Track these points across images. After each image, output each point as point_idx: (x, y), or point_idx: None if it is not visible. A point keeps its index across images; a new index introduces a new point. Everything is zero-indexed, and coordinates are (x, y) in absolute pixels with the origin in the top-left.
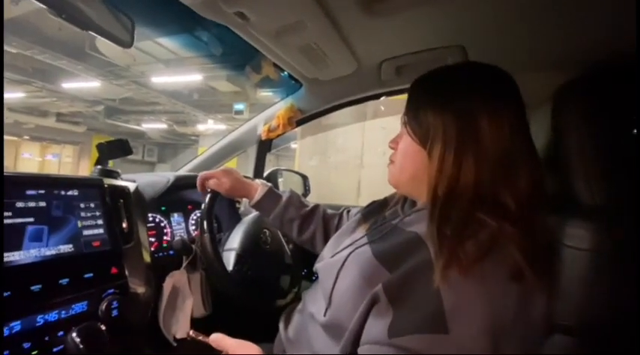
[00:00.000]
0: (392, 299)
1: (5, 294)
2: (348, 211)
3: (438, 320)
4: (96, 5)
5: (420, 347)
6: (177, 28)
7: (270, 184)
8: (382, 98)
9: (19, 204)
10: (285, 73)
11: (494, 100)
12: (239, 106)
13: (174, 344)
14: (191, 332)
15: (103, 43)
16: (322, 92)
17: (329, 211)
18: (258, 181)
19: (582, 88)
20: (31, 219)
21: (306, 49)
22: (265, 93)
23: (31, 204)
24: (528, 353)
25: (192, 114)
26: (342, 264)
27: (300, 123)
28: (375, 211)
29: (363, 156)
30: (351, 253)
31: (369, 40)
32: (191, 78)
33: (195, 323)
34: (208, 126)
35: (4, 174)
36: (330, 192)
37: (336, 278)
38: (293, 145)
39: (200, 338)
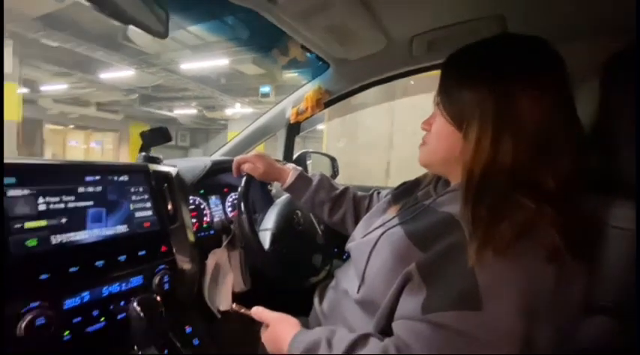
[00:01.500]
0: (425, 277)
1: (74, 269)
2: (378, 192)
3: (472, 298)
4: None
5: (453, 323)
6: (204, 13)
7: (301, 168)
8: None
9: (80, 189)
10: (313, 54)
11: (534, 74)
12: (265, 89)
13: (219, 316)
14: (234, 306)
15: (134, 33)
16: (350, 72)
17: (359, 193)
18: (289, 165)
19: (631, 59)
20: (91, 203)
21: (334, 28)
22: (291, 75)
23: (90, 189)
24: (564, 332)
25: (220, 98)
26: (374, 244)
27: (328, 104)
28: (406, 192)
29: (392, 136)
30: (382, 234)
31: (399, 15)
32: (218, 62)
33: (236, 298)
34: (236, 110)
35: (65, 161)
36: (358, 173)
37: (369, 258)
38: (320, 127)
39: (242, 310)
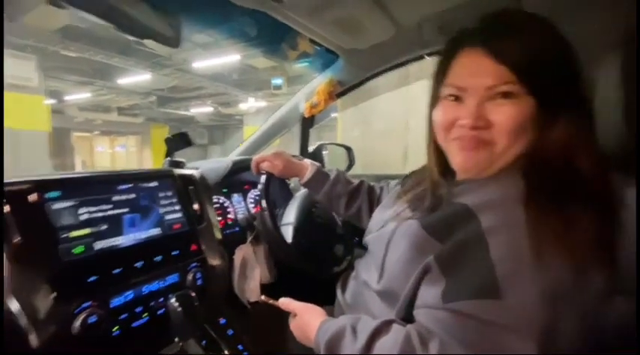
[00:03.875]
0: (444, 269)
1: (117, 271)
2: (388, 183)
3: (490, 288)
4: (144, 10)
5: (473, 311)
6: (213, 15)
7: (318, 164)
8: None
9: (115, 198)
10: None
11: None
12: (277, 81)
13: (249, 307)
14: (263, 297)
15: None
16: (361, 61)
17: (372, 184)
18: (307, 161)
19: None
20: (126, 210)
21: (341, 20)
22: (302, 65)
23: (124, 197)
24: (587, 319)
25: (233, 94)
26: (391, 236)
27: (340, 95)
28: (414, 182)
29: (408, 119)
30: (398, 226)
31: (405, 0)
32: (229, 58)
33: (264, 289)
34: (250, 104)
35: (99, 172)
36: (376, 160)
37: (386, 250)
38: (333, 114)
39: (271, 301)
